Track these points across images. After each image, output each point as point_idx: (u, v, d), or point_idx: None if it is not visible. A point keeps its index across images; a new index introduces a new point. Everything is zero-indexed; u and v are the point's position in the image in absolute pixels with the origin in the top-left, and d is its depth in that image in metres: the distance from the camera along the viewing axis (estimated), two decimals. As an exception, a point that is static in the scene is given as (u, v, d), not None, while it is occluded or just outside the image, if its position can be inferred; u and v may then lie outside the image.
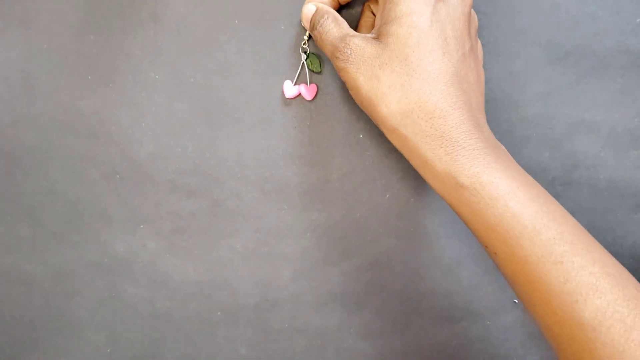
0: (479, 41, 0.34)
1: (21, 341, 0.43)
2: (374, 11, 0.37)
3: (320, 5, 0.35)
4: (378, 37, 0.32)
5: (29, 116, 0.41)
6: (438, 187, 0.31)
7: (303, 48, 0.38)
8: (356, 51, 0.32)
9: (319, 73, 0.38)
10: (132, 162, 0.41)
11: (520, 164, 0.38)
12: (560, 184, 0.38)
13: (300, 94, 0.38)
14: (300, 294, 0.41)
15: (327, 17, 0.34)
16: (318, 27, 0.34)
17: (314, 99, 0.39)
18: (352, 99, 0.38)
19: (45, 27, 0.40)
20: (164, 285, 0.41)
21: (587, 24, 0.36)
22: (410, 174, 0.39)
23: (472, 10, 0.34)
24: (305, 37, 0.38)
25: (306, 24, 0.36)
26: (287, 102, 0.39)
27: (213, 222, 0.41)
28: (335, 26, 0.34)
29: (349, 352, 0.41)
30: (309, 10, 0.36)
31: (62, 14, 0.40)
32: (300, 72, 0.38)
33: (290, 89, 0.38)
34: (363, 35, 0.33)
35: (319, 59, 0.38)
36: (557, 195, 0.38)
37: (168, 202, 0.41)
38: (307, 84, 0.38)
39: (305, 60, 0.38)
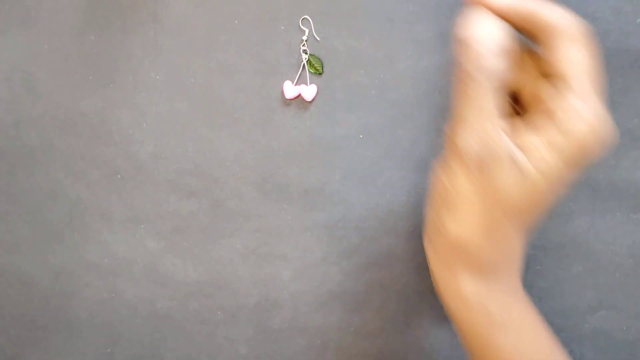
0: None
1: (21, 341, 0.43)
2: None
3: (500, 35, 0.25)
4: (521, 165, 0.25)
5: (30, 116, 0.41)
6: None
7: (303, 49, 0.38)
8: (491, 172, 0.25)
9: (320, 74, 0.38)
10: (132, 162, 0.41)
11: (520, 164, 0.38)
12: (560, 184, 0.38)
13: (300, 94, 0.38)
14: (300, 294, 0.41)
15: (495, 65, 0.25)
16: (473, 79, 0.25)
17: (313, 99, 0.39)
18: (351, 100, 0.38)
19: (45, 28, 0.41)
20: (164, 285, 0.41)
21: (587, 24, 0.36)
22: (410, 174, 0.39)
23: None
24: (305, 38, 0.38)
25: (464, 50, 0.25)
26: (287, 102, 0.39)
27: (213, 222, 0.41)
28: (488, 99, 0.25)
29: (349, 351, 0.41)
30: (484, 32, 0.25)
31: (63, 15, 0.40)
32: (300, 73, 0.38)
33: (290, 90, 0.38)
34: (507, 147, 0.25)
35: (319, 61, 0.38)
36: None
37: (168, 202, 0.41)
38: (307, 84, 0.38)
39: (306, 61, 0.38)
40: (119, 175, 0.41)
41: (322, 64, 0.38)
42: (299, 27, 0.38)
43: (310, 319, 0.41)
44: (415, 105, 0.38)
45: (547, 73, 0.25)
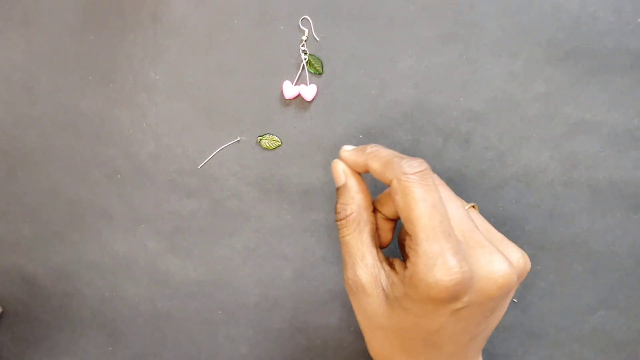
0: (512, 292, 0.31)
1: (23, 340, 0.43)
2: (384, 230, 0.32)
3: (352, 183, 0.30)
4: (388, 297, 0.28)
5: (30, 116, 0.41)
6: None
7: (303, 49, 0.38)
8: (361, 294, 0.29)
9: (320, 74, 0.38)
10: (132, 162, 0.41)
11: (520, 164, 0.38)
12: (560, 184, 0.38)
13: (300, 94, 0.38)
14: (301, 293, 0.41)
15: (352, 214, 0.30)
16: (341, 217, 0.30)
17: (313, 99, 0.39)
18: (351, 100, 0.38)
19: (45, 28, 0.41)
20: (164, 284, 0.41)
21: (587, 24, 0.36)
22: (410, 174, 0.39)
23: (527, 263, 0.30)
24: (304, 38, 0.38)
25: (335, 179, 0.32)
26: (287, 102, 0.39)
27: (213, 221, 0.41)
28: (355, 234, 0.29)
29: (349, 351, 0.41)
30: (337, 176, 0.31)
31: (62, 15, 0.40)
32: (300, 73, 0.38)
33: (289, 90, 0.38)
34: (375, 277, 0.29)
35: (319, 61, 0.38)
36: (557, 195, 0.38)
37: (168, 202, 0.41)
38: (306, 84, 0.38)
39: (306, 61, 0.38)
40: (119, 175, 0.41)
41: (322, 64, 0.38)
42: (299, 27, 0.38)
43: (310, 319, 0.41)
44: (415, 105, 0.38)
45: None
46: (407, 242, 0.27)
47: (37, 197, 0.42)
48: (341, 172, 0.31)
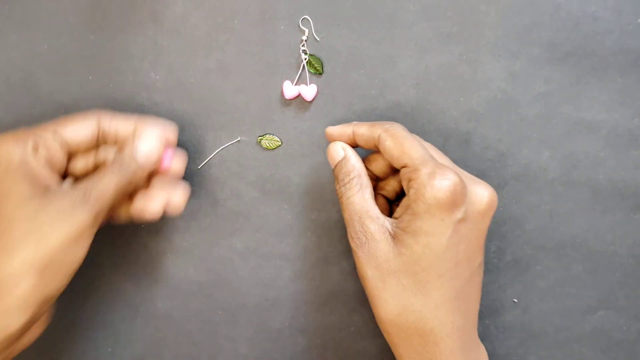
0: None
1: (23, 340, 0.43)
2: (388, 193, 0.36)
3: (349, 153, 0.34)
4: (395, 237, 0.31)
5: (30, 116, 0.41)
6: None
7: (303, 49, 0.38)
8: (371, 242, 0.31)
9: (320, 74, 0.38)
10: (132, 162, 0.41)
11: (520, 164, 0.38)
12: (560, 184, 0.38)
13: (300, 94, 0.38)
14: (301, 294, 0.41)
15: (353, 179, 0.33)
16: (341, 186, 0.33)
17: (313, 99, 0.39)
18: (351, 100, 0.38)
19: (45, 28, 0.41)
20: (164, 284, 0.41)
21: (587, 24, 0.36)
22: (410, 174, 0.39)
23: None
24: (304, 38, 0.38)
25: (332, 163, 0.35)
26: (287, 102, 0.39)
27: (214, 221, 0.41)
28: (358, 195, 0.32)
29: (349, 351, 0.41)
30: (336, 152, 0.34)
31: (62, 14, 0.40)
32: (300, 73, 0.38)
33: (289, 90, 0.38)
34: (381, 225, 0.31)
35: (319, 61, 0.38)
36: (557, 195, 0.38)
37: (168, 202, 0.41)
38: (306, 84, 0.38)
39: (306, 61, 0.38)
40: (119, 175, 0.41)
41: (322, 64, 0.38)
42: (299, 27, 0.38)
43: (310, 319, 0.41)
44: (415, 105, 0.38)
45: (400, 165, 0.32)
46: (405, 173, 0.31)
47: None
48: (339, 147, 0.34)
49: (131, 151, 0.33)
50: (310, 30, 0.38)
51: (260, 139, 0.39)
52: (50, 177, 0.32)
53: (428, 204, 0.29)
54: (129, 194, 0.35)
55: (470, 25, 0.37)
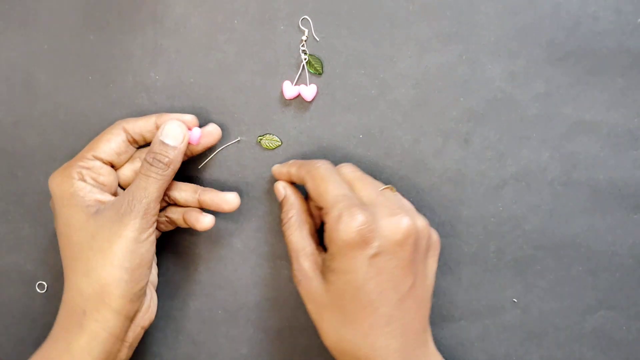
0: (430, 260, 0.35)
1: (23, 341, 0.43)
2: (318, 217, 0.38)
3: (288, 192, 0.37)
4: (323, 273, 0.33)
5: (30, 116, 0.41)
6: None
7: (303, 49, 0.38)
8: (306, 280, 0.34)
9: (319, 75, 0.38)
10: (132, 162, 0.41)
11: (520, 164, 0.38)
12: (560, 184, 0.38)
13: (300, 94, 0.38)
14: (301, 294, 0.41)
15: (292, 217, 0.36)
16: (284, 222, 0.36)
17: (313, 99, 0.39)
18: (351, 100, 0.38)
19: (45, 28, 0.41)
20: (165, 284, 0.41)
21: (587, 24, 0.36)
22: (410, 174, 0.39)
23: (432, 232, 0.35)
24: (304, 38, 0.38)
25: (277, 195, 0.38)
26: (286, 102, 0.39)
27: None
28: (296, 233, 0.35)
29: (349, 351, 0.41)
30: (278, 192, 0.37)
31: (62, 14, 0.40)
32: (300, 73, 0.38)
33: (289, 90, 0.38)
34: (314, 262, 0.34)
35: (319, 61, 0.38)
36: (557, 195, 0.38)
37: (168, 202, 0.41)
38: (306, 84, 0.38)
39: (306, 61, 0.38)
40: (119, 175, 0.41)
41: (321, 64, 0.38)
42: (299, 27, 0.38)
43: (310, 319, 0.41)
44: (415, 105, 0.38)
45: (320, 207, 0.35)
46: (323, 214, 0.34)
47: (37, 196, 0.42)
48: (281, 187, 0.37)
49: (158, 139, 0.35)
50: (310, 30, 0.38)
51: (260, 139, 0.39)
52: (101, 196, 0.35)
53: (338, 245, 0.31)
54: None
55: (470, 25, 0.37)
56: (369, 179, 0.35)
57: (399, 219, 0.32)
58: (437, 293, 0.39)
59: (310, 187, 0.34)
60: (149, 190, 0.34)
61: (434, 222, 0.39)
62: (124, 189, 0.38)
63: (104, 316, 0.33)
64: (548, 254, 0.38)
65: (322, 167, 0.35)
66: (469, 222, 0.39)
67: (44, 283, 0.43)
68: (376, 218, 0.31)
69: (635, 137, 0.37)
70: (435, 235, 0.35)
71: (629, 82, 0.36)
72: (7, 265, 0.43)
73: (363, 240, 0.31)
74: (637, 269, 0.38)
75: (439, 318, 0.40)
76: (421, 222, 0.33)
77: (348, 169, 0.36)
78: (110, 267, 0.33)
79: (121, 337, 0.35)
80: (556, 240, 0.38)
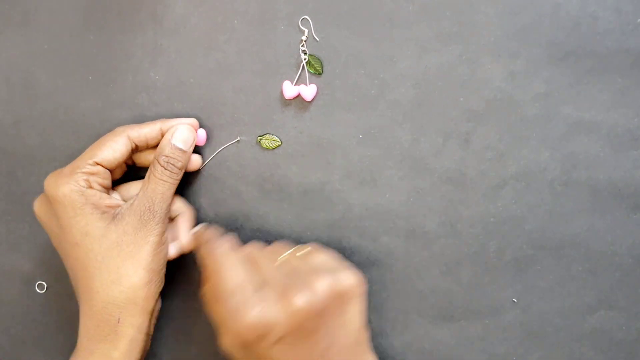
0: (351, 308, 0.34)
1: (22, 341, 0.44)
2: None
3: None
4: None
5: (30, 116, 0.41)
6: None
7: (303, 49, 0.38)
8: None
9: (319, 75, 0.38)
10: (132, 162, 0.41)
11: (520, 164, 0.38)
12: (560, 184, 0.38)
13: (299, 94, 0.38)
14: (301, 294, 0.41)
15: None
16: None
17: (313, 99, 0.39)
18: (351, 100, 0.38)
19: (45, 28, 0.41)
20: (165, 284, 0.41)
21: (587, 24, 0.36)
22: (410, 174, 0.39)
23: (346, 280, 0.33)
24: (304, 38, 0.38)
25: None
26: (286, 102, 0.39)
27: (213, 221, 0.41)
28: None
29: (349, 351, 0.41)
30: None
31: (62, 14, 0.40)
32: (300, 73, 0.38)
33: (289, 90, 0.38)
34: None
35: (319, 61, 0.38)
36: (557, 195, 0.38)
37: (168, 202, 0.41)
38: (306, 84, 0.38)
39: (305, 61, 0.38)
40: (119, 175, 0.41)
41: (321, 64, 0.38)
42: (299, 27, 0.38)
43: None
44: (415, 105, 0.38)
45: None
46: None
47: (36, 197, 0.42)
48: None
49: (170, 143, 0.36)
50: (310, 30, 0.38)
51: (260, 139, 0.39)
52: (109, 200, 0.36)
53: (241, 340, 0.31)
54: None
55: (470, 25, 0.37)
56: (267, 253, 0.36)
57: (290, 302, 0.31)
58: (437, 293, 0.39)
59: (207, 265, 0.35)
60: (167, 195, 0.36)
61: (434, 223, 0.39)
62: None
63: (137, 320, 0.35)
64: (548, 254, 0.38)
65: (219, 251, 0.35)
66: (469, 222, 0.39)
67: (44, 283, 0.43)
68: (270, 304, 0.31)
69: (635, 137, 0.37)
70: (351, 281, 0.34)
71: (629, 82, 0.36)
72: (7, 265, 0.43)
73: (258, 336, 0.31)
74: (637, 269, 0.38)
75: (439, 318, 0.40)
76: (325, 282, 0.32)
77: (250, 248, 0.36)
78: (141, 272, 0.34)
79: (150, 333, 0.37)
80: (556, 240, 0.38)
